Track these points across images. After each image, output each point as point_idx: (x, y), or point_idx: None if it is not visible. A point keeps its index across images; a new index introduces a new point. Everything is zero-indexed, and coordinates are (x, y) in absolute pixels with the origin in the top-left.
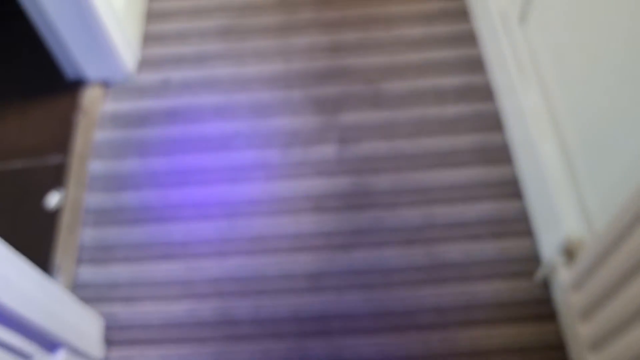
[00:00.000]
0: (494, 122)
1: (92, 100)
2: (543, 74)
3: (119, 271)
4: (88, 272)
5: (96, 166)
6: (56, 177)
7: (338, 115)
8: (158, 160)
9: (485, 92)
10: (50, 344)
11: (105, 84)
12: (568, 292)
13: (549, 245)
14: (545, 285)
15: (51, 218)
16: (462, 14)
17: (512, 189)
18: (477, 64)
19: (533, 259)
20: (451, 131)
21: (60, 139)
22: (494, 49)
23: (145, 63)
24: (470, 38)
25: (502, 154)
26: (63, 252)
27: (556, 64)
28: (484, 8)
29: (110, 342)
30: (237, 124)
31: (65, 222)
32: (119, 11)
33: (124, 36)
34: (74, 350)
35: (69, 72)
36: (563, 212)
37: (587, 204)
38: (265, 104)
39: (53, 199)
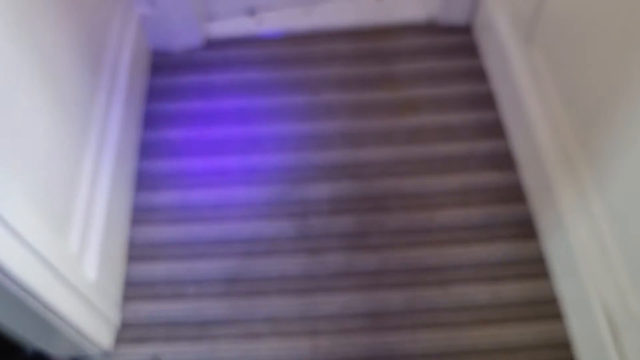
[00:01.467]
0: None
1: None
2: None
3: None
4: None
5: None
6: None
7: None
8: None
9: None
10: None
11: None
12: None
13: None
14: None
15: None
16: (538, 263)
17: None
18: (563, 347)
19: None
20: None
21: None
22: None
23: (127, 330)
24: (552, 306)
25: None
26: None
27: None
28: (580, 292)
29: None
30: None
31: None
32: (87, 289)
33: (95, 313)
34: None
35: (28, 346)
36: None
37: None
38: None
39: None
